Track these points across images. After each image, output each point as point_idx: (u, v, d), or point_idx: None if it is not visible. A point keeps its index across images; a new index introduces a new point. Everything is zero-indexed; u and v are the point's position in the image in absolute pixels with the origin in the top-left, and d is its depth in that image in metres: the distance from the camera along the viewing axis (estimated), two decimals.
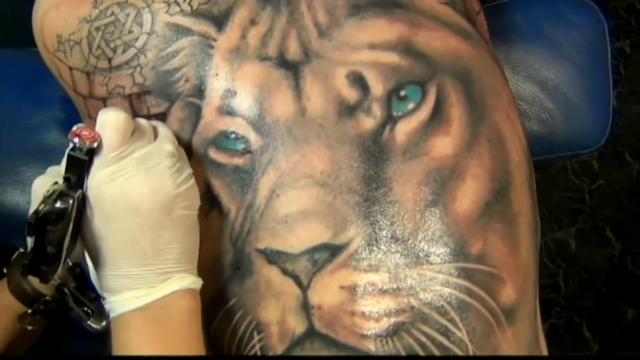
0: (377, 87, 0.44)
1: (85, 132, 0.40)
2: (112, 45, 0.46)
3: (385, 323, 0.42)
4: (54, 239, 0.39)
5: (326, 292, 0.42)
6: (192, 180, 0.43)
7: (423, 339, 0.42)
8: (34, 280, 0.47)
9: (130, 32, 0.46)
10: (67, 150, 0.41)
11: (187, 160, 0.44)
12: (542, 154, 0.64)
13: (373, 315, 0.42)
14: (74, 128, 0.41)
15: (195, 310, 0.42)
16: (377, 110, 0.44)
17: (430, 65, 0.45)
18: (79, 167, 0.41)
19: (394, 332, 0.42)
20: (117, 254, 0.41)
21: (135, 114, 0.45)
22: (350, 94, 0.44)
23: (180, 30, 0.45)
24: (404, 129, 0.44)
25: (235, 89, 0.44)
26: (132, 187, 0.40)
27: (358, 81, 0.44)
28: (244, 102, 0.44)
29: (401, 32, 0.45)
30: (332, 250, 0.42)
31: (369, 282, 0.42)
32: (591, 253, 1.81)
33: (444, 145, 0.44)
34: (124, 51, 0.46)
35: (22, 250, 0.48)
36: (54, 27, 0.47)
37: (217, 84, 0.45)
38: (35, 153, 0.54)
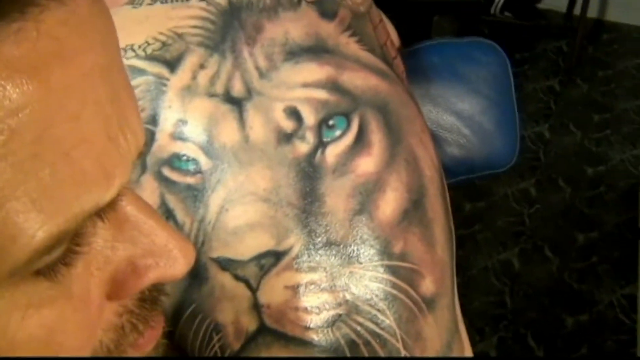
0: (310, 118, 0.47)
1: None
2: None
3: (325, 315, 0.45)
4: None
5: (273, 292, 0.45)
6: None
7: (358, 327, 0.45)
8: None
9: None
10: None
11: None
12: (465, 174, 0.69)
13: (314, 310, 0.45)
14: None
15: None
16: (310, 137, 0.47)
17: (354, 99, 0.48)
18: None
19: (333, 323, 0.45)
20: None
21: None
22: (287, 124, 0.47)
23: (136, 71, 0.47)
24: (333, 152, 0.47)
25: (186, 119, 0.46)
26: None
27: (294, 114, 0.47)
28: (194, 130, 0.46)
29: (329, 72, 0.48)
30: (276, 256, 0.45)
31: (309, 281, 0.45)
32: (533, 270, 1.89)
33: (367, 164, 0.47)
34: None
35: None
36: None
37: (169, 114, 0.47)
38: None
